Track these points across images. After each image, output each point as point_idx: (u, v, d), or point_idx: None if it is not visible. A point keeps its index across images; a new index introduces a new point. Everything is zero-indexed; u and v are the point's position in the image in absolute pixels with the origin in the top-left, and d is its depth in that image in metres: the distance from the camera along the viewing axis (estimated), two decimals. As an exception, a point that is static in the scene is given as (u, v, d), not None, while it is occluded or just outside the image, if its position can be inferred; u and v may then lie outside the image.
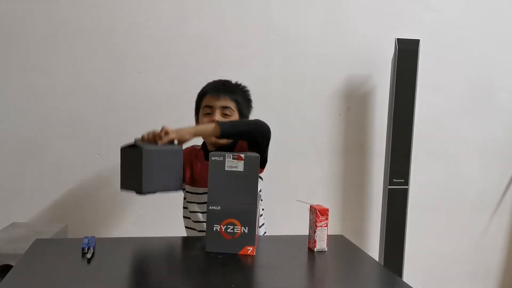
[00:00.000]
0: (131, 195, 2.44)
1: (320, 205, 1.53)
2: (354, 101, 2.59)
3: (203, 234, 1.71)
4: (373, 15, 2.55)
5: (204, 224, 1.71)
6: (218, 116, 1.70)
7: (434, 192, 2.70)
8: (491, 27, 2.66)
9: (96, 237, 1.50)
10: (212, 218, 1.43)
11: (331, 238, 1.55)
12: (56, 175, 2.39)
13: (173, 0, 2.39)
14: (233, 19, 2.45)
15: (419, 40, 2.36)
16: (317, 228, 1.49)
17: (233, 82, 1.82)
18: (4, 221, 2.31)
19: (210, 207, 1.43)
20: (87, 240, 1.45)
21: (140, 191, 1.38)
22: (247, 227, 1.43)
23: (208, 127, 1.61)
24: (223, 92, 1.72)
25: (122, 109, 2.40)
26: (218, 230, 1.43)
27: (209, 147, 1.77)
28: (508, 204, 2.79)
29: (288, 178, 2.54)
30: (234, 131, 1.62)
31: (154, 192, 1.44)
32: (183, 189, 1.83)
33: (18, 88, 2.33)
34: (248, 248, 1.43)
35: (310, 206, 1.54)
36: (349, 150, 2.62)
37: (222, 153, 1.44)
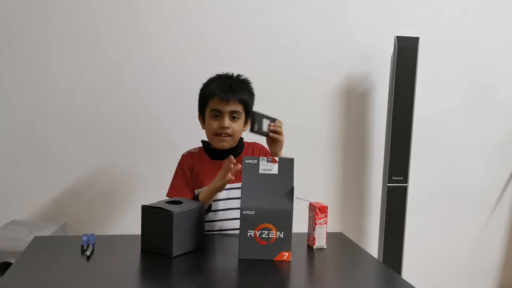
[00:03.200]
0: (131, 193, 2.45)
1: (319, 203, 1.53)
2: (354, 98, 2.59)
3: (211, 233, 1.70)
4: (373, 12, 2.55)
5: (213, 223, 1.71)
6: (227, 121, 1.68)
7: (433, 190, 2.70)
8: (490, 24, 2.65)
9: (96, 234, 1.51)
10: (246, 223, 1.37)
11: (330, 236, 1.55)
12: (55, 173, 2.39)
13: (172, -2, 2.39)
14: (233, 17, 2.44)
15: (418, 37, 2.36)
16: (316, 225, 1.50)
17: (236, 77, 1.77)
18: (3, 218, 2.30)
19: (243, 212, 1.37)
20: (86, 237, 1.46)
21: (170, 255, 1.36)
22: (283, 232, 1.37)
23: None
24: (231, 96, 1.68)
25: (122, 106, 2.40)
26: (253, 235, 1.37)
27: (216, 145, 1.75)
28: (507, 202, 2.79)
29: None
30: None
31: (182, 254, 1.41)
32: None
33: (18, 85, 2.33)
34: (284, 253, 1.38)
35: (310, 203, 1.55)
36: (349, 147, 2.62)
37: (256, 157, 1.43)
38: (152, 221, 1.40)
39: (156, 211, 1.38)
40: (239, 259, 1.37)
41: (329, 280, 1.35)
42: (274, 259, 1.37)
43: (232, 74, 1.78)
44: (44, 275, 1.23)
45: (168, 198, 1.54)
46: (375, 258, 1.51)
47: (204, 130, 1.79)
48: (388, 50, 2.47)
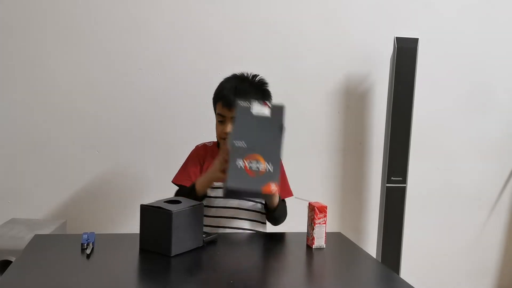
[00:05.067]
0: (130, 192, 2.45)
1: (318, 203, 1.53)
2: (353, 99, 2.60)
3: (207, 229, 1.71)
4: (372, 13, 2.55)
5: (209, 218, 1.71)
6: (229, 127, 1.66)
7: (432, 190, 2.71)
8: (489, 25, 2.66)
9: (96, 233, 1.51)
10: (235, 153, 1.36)
11: (329, 235, 1.56)
12: (55, 171, 2.39)
13: (172, -3, 2.39)
14: (233, 17, 2.45)
15: (418, 38, 2.36)
16: (316, 225, 1.50)
17: (248, 79, 1.74)
18: (3, 217, 2.31)
19: (233, 141, 1.37)
20: (86, 236, 1.46)
21: (169, 254, 1.36)
22: (271, 164, 1.36)
23: (276, 200, 1.62)
24: (234, 102, 1.64)
25: (121, 105, 2.40)
26: (242, 166, 1.35)
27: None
28: (505, 202, 2.80)
29: (287, 175, 2.55)
30: (278, 217, 1.74)
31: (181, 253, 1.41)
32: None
33: (18, 84, 2.33)
34: (271, 184, 1.34)
35: (309, 203, 1.55)
36: (348, 147, 2.62)
37: (248, 101, 1.45)
38: (151, 220, 1.41)
39: (155, 210, 1.39)
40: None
41: (328, 279, 1.35)
42: (262, 191, 1.34)
43: (247, 75, 1.75)
44: (44, 273, 1.23)
45: (168, 198, 1.54)
46: (373, 257, 1.51)
47: None
48: (387, 50, 2.48)
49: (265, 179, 1.34)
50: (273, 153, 1.38)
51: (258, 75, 1.77)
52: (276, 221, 1.77)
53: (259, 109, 1.45)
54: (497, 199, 2.79)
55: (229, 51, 2.45)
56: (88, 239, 1.44)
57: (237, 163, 1.35)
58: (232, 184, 1.33)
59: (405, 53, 2.35)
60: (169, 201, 1.44)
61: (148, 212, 1.41)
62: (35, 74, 2.34)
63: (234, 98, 1.65)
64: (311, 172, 2.59)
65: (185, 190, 1.65)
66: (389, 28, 2.53)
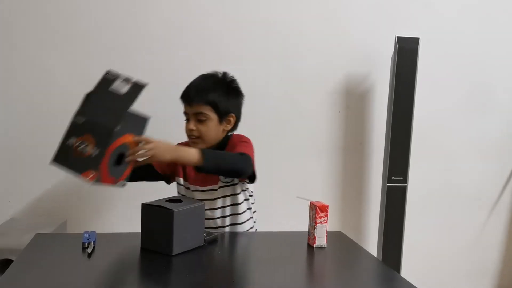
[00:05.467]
0: (131, 191, 2.45)
1: (320, 202, 1.53)
2: (354, 98, 2.60)
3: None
4: (373, 13, 2.55)
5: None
6: (193, 124, 1.67)
7: (433, 190, 2.71)
8: (490, 25, 2.66)
9: (96, 232, 1.51)
10: (72, 129, 1.32)
11: (330, 235, 1.56)
12: (55, 170, 2.37)
13: (173, -3, 2.39)
14: (233, 16, 2.45)
15: (418, 38, 2.36)
16: (317, 224, 1.50)
17: (211, 76, 1.73)
18: (3, 216, 2.31)
19: (75, 116, 1.33)
20: (87, 235, 1.46)
21: (170, 254, 1.36)
22: (98, 149, 1.30)
23: (191, 155, 1.48)
24: (193, 99, 1.66)
25: (122, 105, 2.40)
26: (72, 144, 1.30)
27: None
28: (506, 202, 2.80)
29: (287, 175, 2.55)
30: (215, 168, 1.54)
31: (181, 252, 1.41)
32: (177, 182, 1.81)
33: (17, 84, 2.33)
34: (90, 172, 1.29)
35: (310, 202, 1.55)
36: (349, 147, 2.62)
37: (116, 74, 1.37)
38: (152, 219, 1.40)
39: (156, 209, 1.39)
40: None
41: (329, 278, 1.35)
42: (81, 175, 1.30)
43: (216, 73, 1.74)
44: (45, 272, 1.23)
45: (169, 197, 1.54)
46: (374, 257, 1.52)
47: None
48: (388, 50, 2.48)
49: (86, 164, 1.29)
50: (105, 137, 1.30)
51: (229, 74, 1.75)
52: (218, 173, 1.67)
53: (116, 86, 1.35)
54: (497, 199, 2.79)
55: (229, 51, 2.45)
56: (89, 238, 1.44)
57: (68, 141, 1.30)
58: (56, 161, 1.31)
59: (406, 53, 2.35)
60: (171, 200, 1.44)
61: (150, 211, 1.41)
62: (35, 75, 2.33)
63: (195, 95, 1.66)
64: (311, 172, 2.59)
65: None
66: (390, 28, 2.52)
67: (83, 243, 1.41)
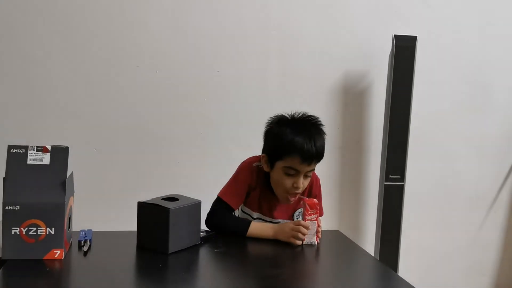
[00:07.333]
0: (128, 190, 2.44)
1: (312, 199, 1.52)
2: (351, 97, 2.60)
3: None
4: (371, 11, 2.55)
5: None
6: (301, 181, 1.56)
7: (430, 188, 2.71)
8: (488, 24, 2.66)
9: (93, 230, 1.50)
10: (10, 220, 1.24)
11: (327, 233, 1.55)
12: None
13: (171, -6, 2.38)
14: (231, 15, 2.44)
15: (416, 36, 2.36)
16: (306, 222, 1.49)
17: (317, 133, 1.60)
18: (1, 214, 2.30)
19: (6, 208, 1.24)
20: (84, 233, 1.46)
21: (166, 252, 1.36)
22: (53, 228, 1.26)
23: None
24: (315, 160, 1.56)
25: (120, 103, 2.39)
26: (18, 233, 1.24)
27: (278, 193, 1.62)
28: (503, 200, 2.80)
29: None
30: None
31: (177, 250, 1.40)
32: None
33: (15, 82, 2.32)
34: (55, 251, 1.27)
35: (302, 199, 1.54)
36: (346, 146, 2.62)
37: (24, 146, 1.26)
38: (148, 217, 1.40)
39: (152, 207, 1.38)
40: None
41: (326, 277, 1.35)
42: (44, 258, 1.26)
43: (316, 122, 1.64)
44: (41, 270, 1.22)
45: (165, 195, 1.54)
46: (371, 255, 1.51)
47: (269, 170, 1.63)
48: (386, 49, 2.48)
49: (47, 244, 1.26)
50: (55, 215, 1.25)
51: (305, 114, 1.67)
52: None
53: (36, 157, 1.26)
54: (495, 198, 2.79)
55: (228, 50, 2.44)
56: (86, 236, 1.44)
57: (12, 231, 1.24)
58: (9, 255, 1.25)
59: (404, 51, 2.35)
60: (167, 199, 1.44)
61: (145, 209, 1.40)
62: (34, 73, 2.33)
63: (320, 157, 1.55)
64: (309, 170, 2.59)
65: (238, 222, 1.60)
66: (388, 26, 2.52)
67: (79, 241, 1.40)
